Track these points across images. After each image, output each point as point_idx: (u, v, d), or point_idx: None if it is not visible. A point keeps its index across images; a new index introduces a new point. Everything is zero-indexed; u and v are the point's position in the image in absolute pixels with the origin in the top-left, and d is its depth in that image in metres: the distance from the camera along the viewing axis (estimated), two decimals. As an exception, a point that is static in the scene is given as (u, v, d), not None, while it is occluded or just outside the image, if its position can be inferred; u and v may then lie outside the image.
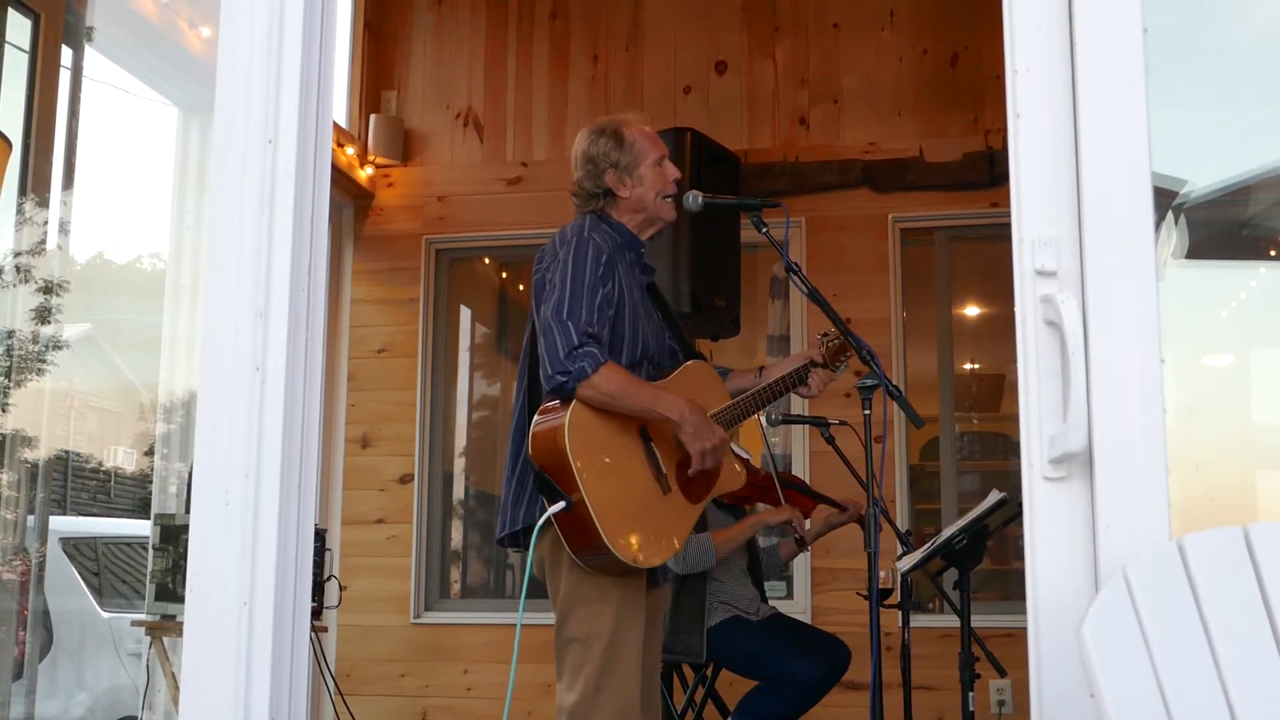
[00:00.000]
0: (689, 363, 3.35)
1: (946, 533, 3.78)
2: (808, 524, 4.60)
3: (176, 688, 3.23)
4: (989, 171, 5.77)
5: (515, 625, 3.01)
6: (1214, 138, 2.62)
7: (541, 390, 3.09)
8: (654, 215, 3.30)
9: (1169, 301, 2.11)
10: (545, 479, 2.97)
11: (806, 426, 5.45)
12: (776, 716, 4.18)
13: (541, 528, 3.03)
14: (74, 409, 6.86)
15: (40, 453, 4.77)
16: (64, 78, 4.80)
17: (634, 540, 2.97)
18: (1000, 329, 5.24)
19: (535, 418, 3.03)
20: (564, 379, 2.96)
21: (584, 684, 3.00)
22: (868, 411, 3.45)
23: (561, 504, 2.92)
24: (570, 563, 3.03)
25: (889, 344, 5.72)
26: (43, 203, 4.71)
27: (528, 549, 3.13)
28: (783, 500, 4.45)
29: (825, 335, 3.55)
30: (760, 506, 4.63)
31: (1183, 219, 2.69)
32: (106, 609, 6.13)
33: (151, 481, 5.29)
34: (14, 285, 4.72)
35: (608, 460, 3.02)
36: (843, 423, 4.24)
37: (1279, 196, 2.84)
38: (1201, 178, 2.69)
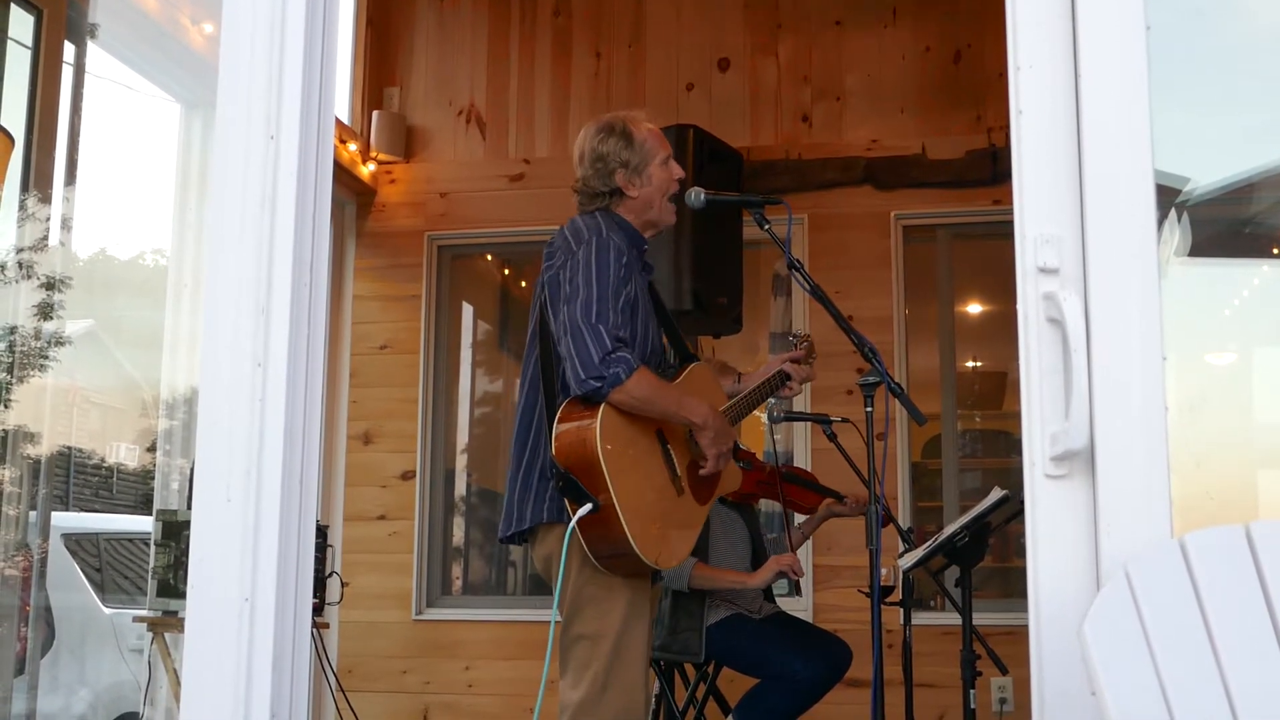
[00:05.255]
0: (693, 365, 3.35)
1: (948, 530, 3.78)
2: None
3: (178, 684, 3.24)
4: (991, 169, 5.76)
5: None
6: (1216, 136, 2.62)
7: (553, 388, 3.07)
8: (657, 217, 3.29)
9: (1171, 299, 2.10)
10: (572, 480, 2.93)
11: (809, 423, 5.45)
12: (777, 714, 4.17)
13: (546, 525, 3.03)
14: (76, 405, 6.86)
15: (43, 449, 4.77)
16: (67, 74, 4.80)
17: (656, 542, 2.98)
18: (1002, 326, 5.24)
19: (559, 421, 3.00)
20: (598, 384, 2.92)
21: (590, 682, 3.00)
22: (870, 409, 3.45)
23: (589, 506, 2.89)
24: (581, 561, 3.02)
25: (891, 341, 5.72)
26: (45, 199, 4.70)
27: (534, 546, 3.14)
28: (782, 497, 4.45)
29: (794, 336, 3.75)
30: (764, 502, 4.61)
31: (1185, 217, 2.69)
32: (108, 605, 6.13)
33: (154, 478, 5.30)
34: (16, 281, 4.72)
35: (633, 463, 3.01)
36: (845, 420, 4.24)
37: (1282, 194, 2.84)
38: (1204, 176, 2.69)
